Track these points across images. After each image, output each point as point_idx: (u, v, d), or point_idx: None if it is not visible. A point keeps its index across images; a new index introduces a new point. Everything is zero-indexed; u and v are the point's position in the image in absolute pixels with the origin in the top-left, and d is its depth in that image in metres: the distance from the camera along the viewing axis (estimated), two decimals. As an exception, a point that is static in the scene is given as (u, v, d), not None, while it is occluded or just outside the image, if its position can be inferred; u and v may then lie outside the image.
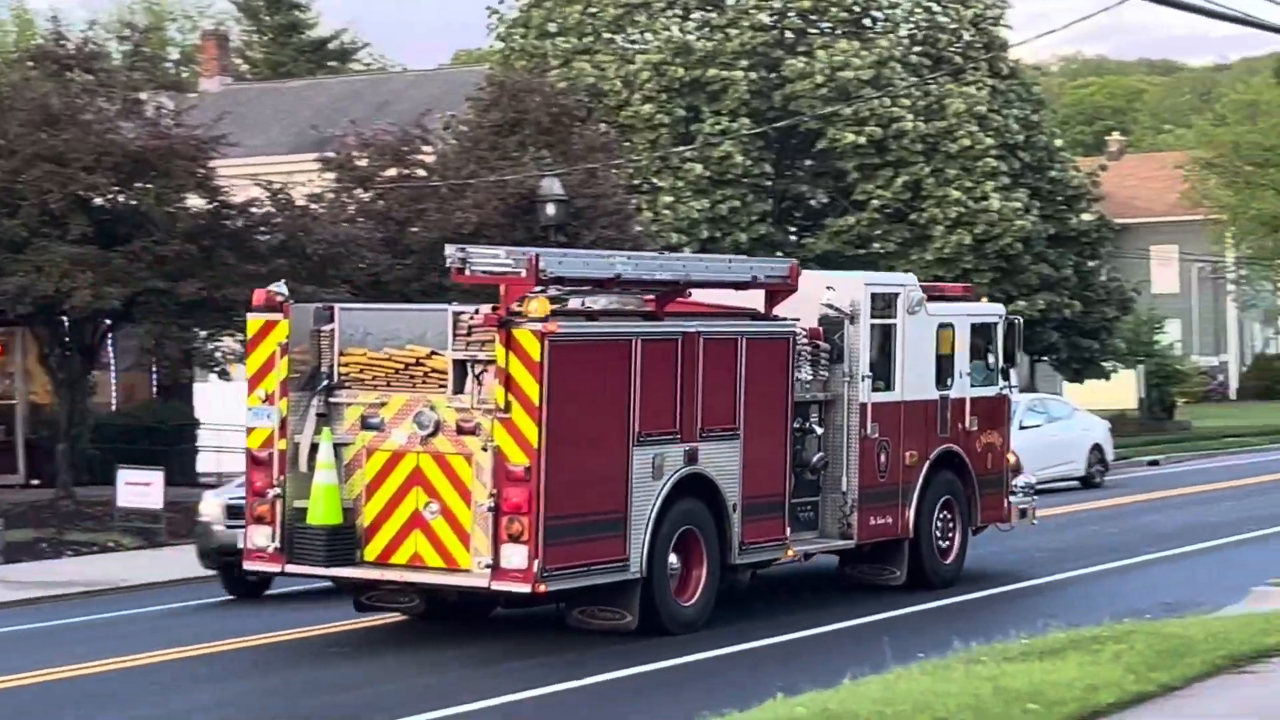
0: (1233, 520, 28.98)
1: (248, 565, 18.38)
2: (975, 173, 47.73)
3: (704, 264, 21.93)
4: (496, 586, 16.70)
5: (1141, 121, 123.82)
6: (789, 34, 49.80)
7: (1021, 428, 35.79)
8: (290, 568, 17.91)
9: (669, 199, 45.72)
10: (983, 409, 22.13)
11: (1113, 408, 62.40)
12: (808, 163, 50.75)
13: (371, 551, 17.46)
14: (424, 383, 17.26)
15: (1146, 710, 12.52)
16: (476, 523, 16.79)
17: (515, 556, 16.49)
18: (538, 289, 16.85)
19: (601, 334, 17.61)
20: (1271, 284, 75.77)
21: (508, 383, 16.48)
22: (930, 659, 14.68)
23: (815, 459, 20.01)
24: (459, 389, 17.07)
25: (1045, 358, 52.39)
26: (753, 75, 47.53)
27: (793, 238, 49.79)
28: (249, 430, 18.07)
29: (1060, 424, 37.55)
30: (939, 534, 21.40)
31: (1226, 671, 13.68)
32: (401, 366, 17.36)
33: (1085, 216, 51.58)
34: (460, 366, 17.08)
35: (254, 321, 17.99)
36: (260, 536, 17.86)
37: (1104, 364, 52.15)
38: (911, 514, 20.87)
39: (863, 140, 47.33)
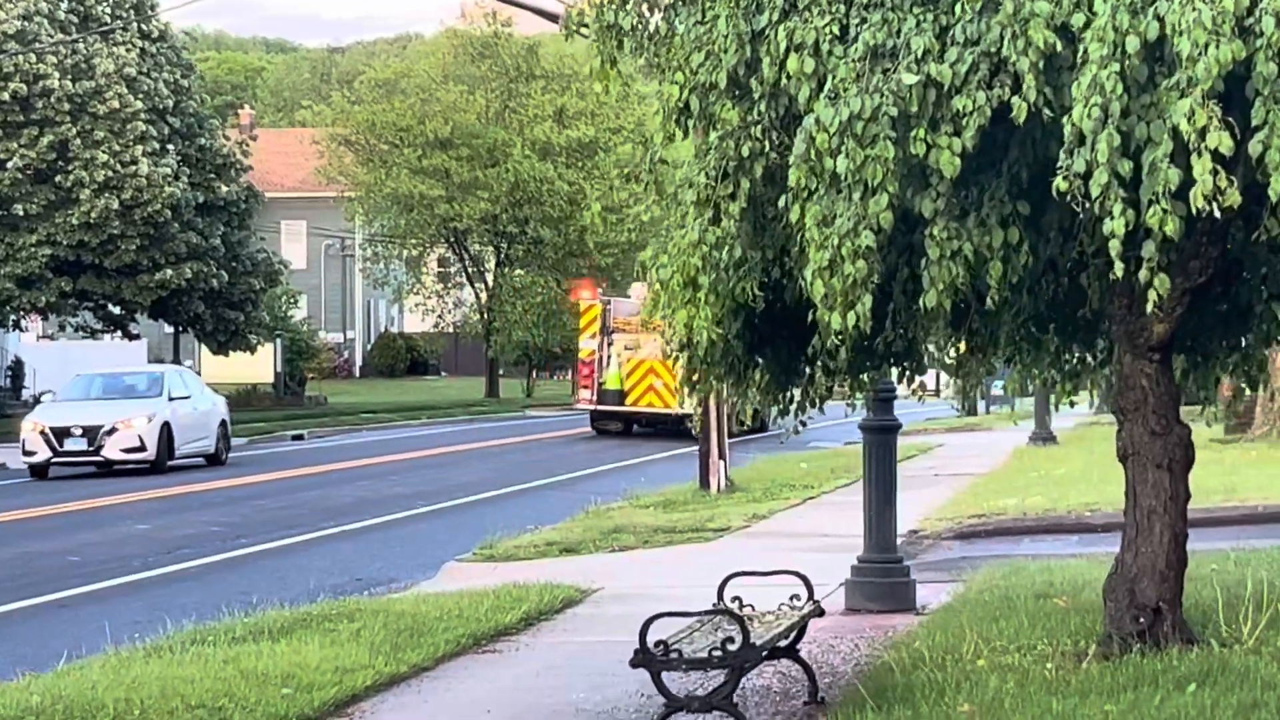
0: (402, 495, 28.99)
1: (579, 406, 47.33)
2: (125, 136, 46.17)
3: None
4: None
5: (262, 98, 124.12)
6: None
7: (171, 399, 35.05)
8: (598, 407, 45.47)
9: None
10: None
11: (249, 381, 62.34)
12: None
13: (629, 400, 44.44)
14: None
15: (405, 691, 11.99)
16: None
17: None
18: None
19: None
20: (401, 262, 77.19)
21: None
22: (148, 639, 13.74)
23: None
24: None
25: (191, 328, 51.33)
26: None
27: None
28: (583, 349, 46.13)
29: (193, 400, 36.90)
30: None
31: (472, 651, 13.34)
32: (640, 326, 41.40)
33: (234, 186, 50.79)
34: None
35: (586, 305, 46.18)
36: (586, 394, 45.48)
37: (250, 336, 51.52)
38: None
39: (5, 97, 44.95)
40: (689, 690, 10.45)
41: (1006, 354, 12.39)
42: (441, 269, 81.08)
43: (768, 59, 10.00)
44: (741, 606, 10.86)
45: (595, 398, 45.02)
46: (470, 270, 77.60)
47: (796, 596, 11.05)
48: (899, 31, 9.54)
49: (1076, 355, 12.60)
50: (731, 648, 9.45)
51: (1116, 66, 8.84)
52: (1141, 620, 10.35)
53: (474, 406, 67.70)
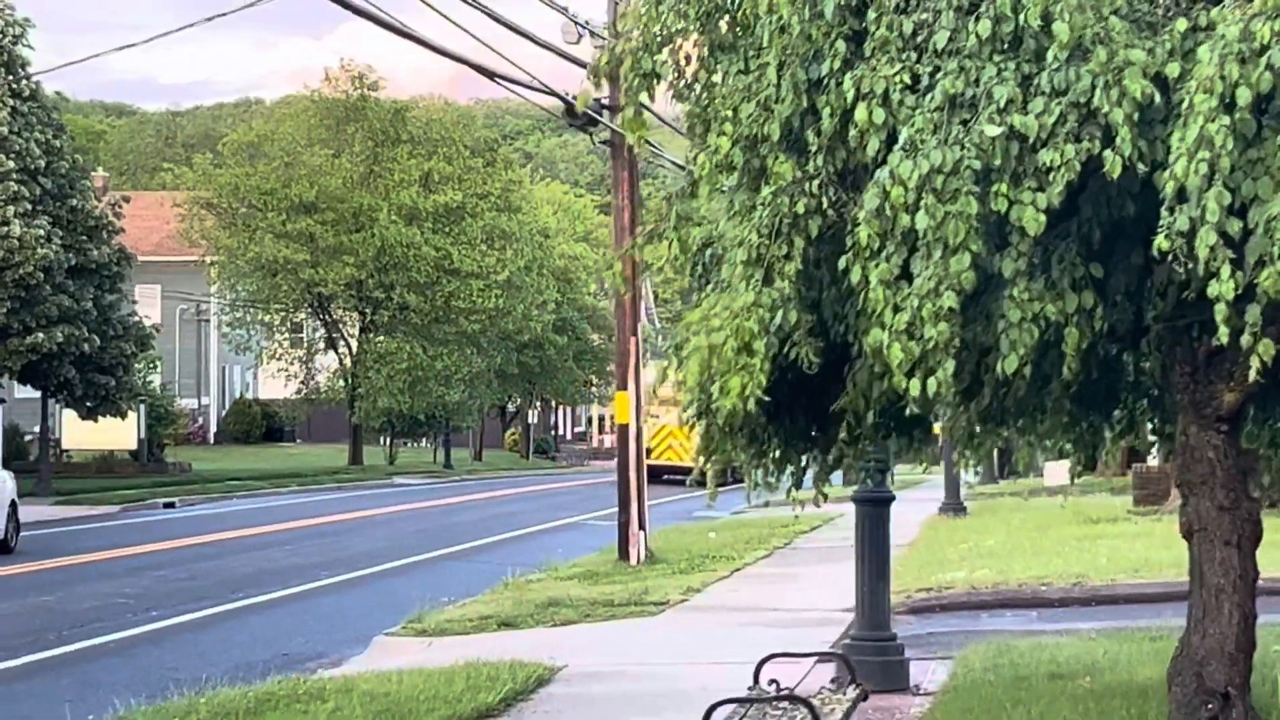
0: (301, 565, 28.09)
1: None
2: (-4, 196, 44.86)
3: None
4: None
5: (105, 161, 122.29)
6: None
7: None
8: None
9: None
10: None
11: (108, 448, 60.84)
12: None
13: (654, 456, 50.51)
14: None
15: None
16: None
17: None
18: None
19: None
20: (263, 326, 75.94)
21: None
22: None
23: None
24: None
25: (59, 394, 49.85)
26: None
27: None
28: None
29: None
30: None
31: (463, 734, 12.61)
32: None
33: (106, 248, 49.49)
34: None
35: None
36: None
37: (120, 402, 50.12)
38: None
39: None
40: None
41: (1020, 425, 11.89)
42: (300, 334, 79.86)
43: (828, 109, 9.44)
44: (779, 689, 10.24)
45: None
46: (334, 336, 76.54)
47: (836, 680, 10.43)
48: (978, 80, 9.01)
49: (1088, 425, 12.17)
50: (799, 737, 8.84)
51: (1226, 120, 8.36)
52: (1211, 706, 9.83)
53: (339, 474, 66.57)
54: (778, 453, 11.45)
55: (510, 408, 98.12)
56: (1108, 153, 8.69)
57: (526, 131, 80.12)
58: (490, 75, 22.01)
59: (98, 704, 14.46)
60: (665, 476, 55.57)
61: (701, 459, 11.13)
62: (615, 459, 27.11)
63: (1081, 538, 24.95)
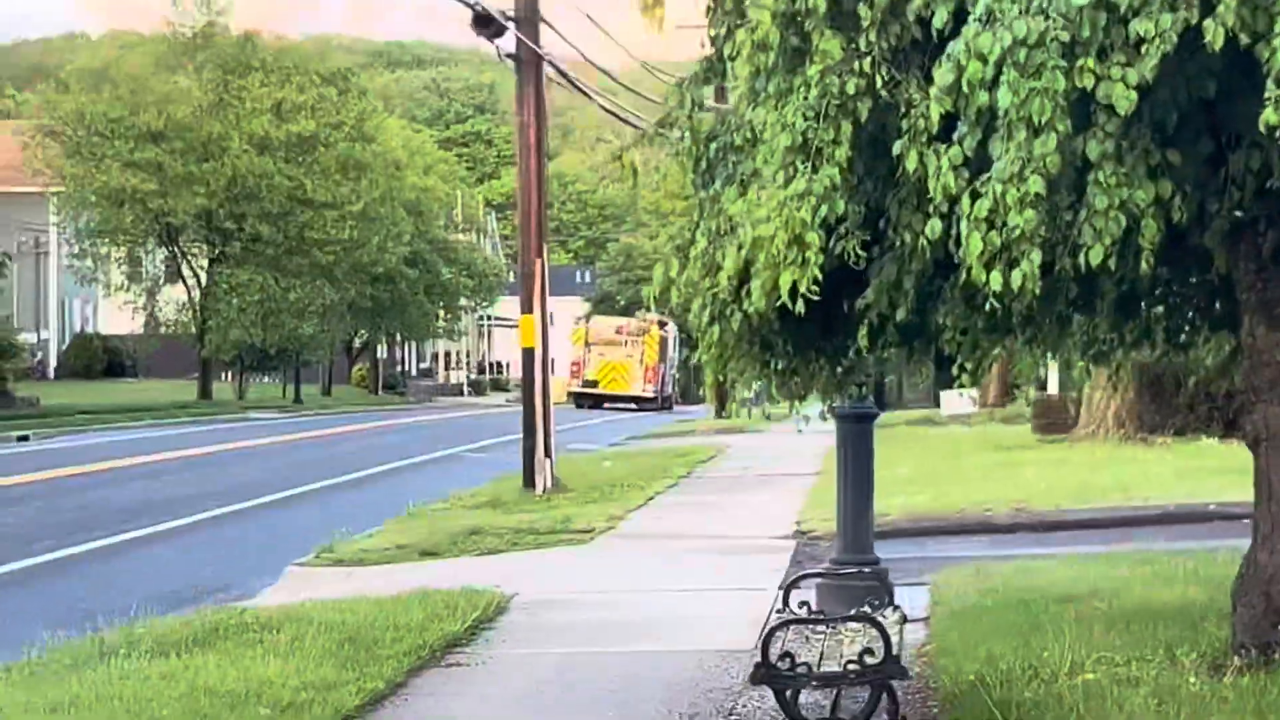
0: (188, 495, 26.99)
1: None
2: None
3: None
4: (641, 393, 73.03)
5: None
6: None
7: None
8: (582, 390, 75.65)
9: None
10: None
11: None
12: None
13: (601, 386, 75.79)
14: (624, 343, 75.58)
15: (403, 710, 10.40)
16: (635, 377, 75.16)
17: (649, 388, 74.54)
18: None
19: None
20: (109, 258, 73.98)
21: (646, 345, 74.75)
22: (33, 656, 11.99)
23: None
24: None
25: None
26: None
27: None
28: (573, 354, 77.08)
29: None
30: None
31: (436, 665, 11.80)
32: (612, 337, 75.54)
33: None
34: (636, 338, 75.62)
35: (575, 326, 78.03)
36: (575, 382, 76.47)
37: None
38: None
39: None
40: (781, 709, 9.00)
41: (1027, 334, 11.21)
42: (140, 268, 77.89)
43: (886, -24, 8.66)
44: (811, 613, 9.50)
45: (580, 386, 76.25)
46: (179, 268, 74.75)
47: (873, 602, 9.66)
48: (1058, -56, 8.25)
49: (1100, 335, 11.53)
50: (871, 660, 8.09)
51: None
52: (1280, 628, 9.20)
53: (190, 408, 64.96)
54: (782, 363, 10.70)
55: (357, 343, 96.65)
56: (1208, 22, 7.98)
57: (357, 69, 78.91)
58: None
59: (13, 636, 13.45)
60: (606, 405, 73.88)
61: (713, 370, 10.37)
62: (462, 394, 26.13)
63: (1001, 464, 24.45)
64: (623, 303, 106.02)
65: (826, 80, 8.84)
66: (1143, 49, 8.08)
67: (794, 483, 25.16)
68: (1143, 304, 11.10)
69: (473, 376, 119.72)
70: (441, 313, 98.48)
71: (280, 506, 25.88)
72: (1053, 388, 32.69)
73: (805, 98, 8.90)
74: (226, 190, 69.72)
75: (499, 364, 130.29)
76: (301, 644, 11.78)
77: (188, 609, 14.63)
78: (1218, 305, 10.77)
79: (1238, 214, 9.06)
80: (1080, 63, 8.13)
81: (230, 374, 79.78)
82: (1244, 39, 7.98)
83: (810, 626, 8.83)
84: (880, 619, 8.65)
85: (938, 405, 49.38)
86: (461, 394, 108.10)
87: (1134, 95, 8.09)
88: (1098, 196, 8.28)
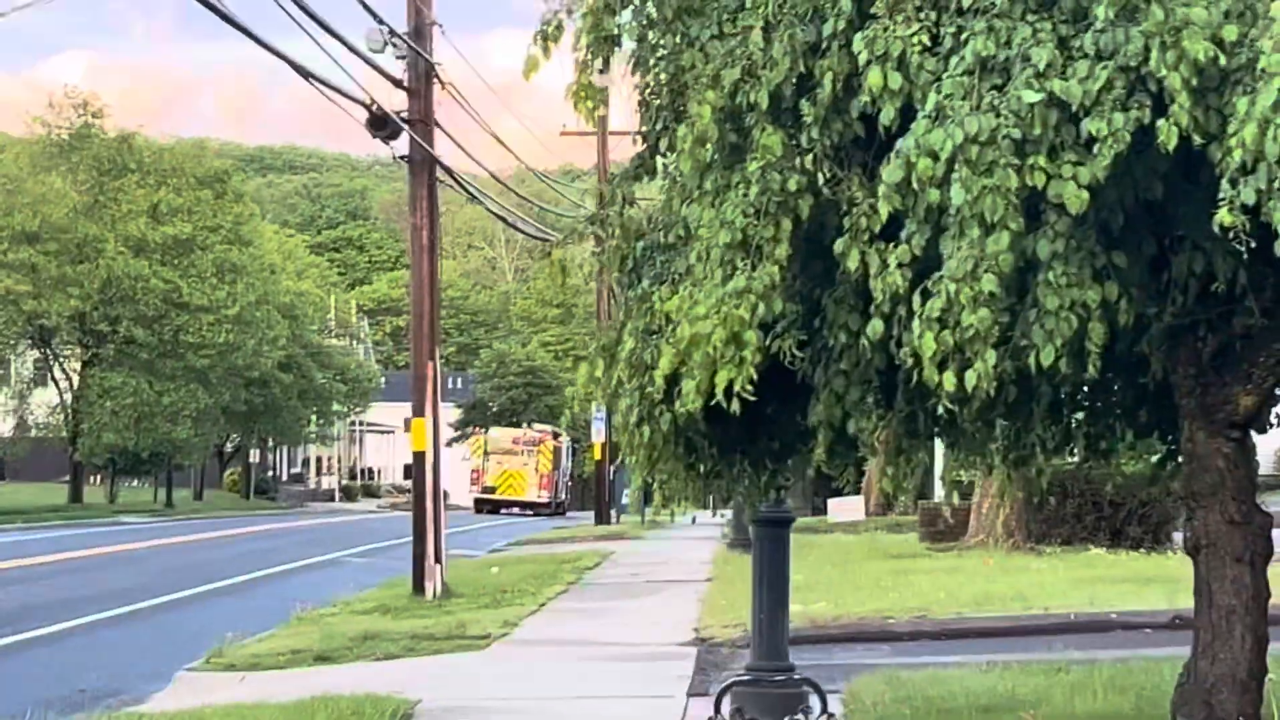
0: (70, 599, 26.34)
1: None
2: None
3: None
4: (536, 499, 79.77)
5: None
6: None
7: None
8: (482, 496, 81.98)
9: None
10: None
11: None
12: None
13: (499, 492, 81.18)
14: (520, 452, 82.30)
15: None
16: (530, 484, 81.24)
17: (544, 494, 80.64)
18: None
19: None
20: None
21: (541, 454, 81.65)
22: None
23: None
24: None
25: None
26: None
27: None
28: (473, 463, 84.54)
29: None
30: None
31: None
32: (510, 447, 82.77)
33: None
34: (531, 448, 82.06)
35: (474, 440, 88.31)
36: (475, 490, 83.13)
37: None
38: None
39: None
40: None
41: (950, 438, 11.11)
42: (5, 370, 76.76)
43: (829, 75, 8.54)
44: (744, 717, 9.27)
45: (480, 492, 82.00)
46: (50, 370, 73.71)
47: (806, 709, 9.44)
48: (1009, 42, 8.16)
49: (1024, 440, 11.40)
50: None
51: (1305, 85, 7.60)
52: (1221, 738, 9.05)
53: (62, 512, 63.94)
54: (705, 465, 10.52)
55: (229, 447, 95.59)
56: (1161, 122, 7.90)
57: (230, 171, 78.38)
58: (305, 75, 20.70)
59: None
60: (503, 510, 79.41)
61: (641, 473, 10.16)
62: (334, 500, 25.73)
63: (894, 572, 24.30)
64: (494, 409, 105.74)
65: (767, 177, 8.70)
66: (1094, 148, 7.98)
67: (685, 589, 24.92)
68: (1064, 410, 11.00)
69: (344, 482, 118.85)
70: (314, 417, 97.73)
71: (164, 611, 25.32)
72: (937, 496, 32.72)
73: (745, 194, 8.75)
74: (101, 292, 68.88)
75: (370, 470, 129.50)
76: (206, 753, 11.39)
77: (78, 716, 14.23)
78: (1143, 412, 10.69)
79: (1178, 318, 8.97)
80: (1031, 160, 8.02)
81: (101, 477, 78.65)
82: (1197, 139, 7.90)
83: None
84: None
85: (814, 512, 49.42)
86: (333, 499, 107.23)
87: (1085, 195, 7.98)
88: (1048, 296, 8.16)
